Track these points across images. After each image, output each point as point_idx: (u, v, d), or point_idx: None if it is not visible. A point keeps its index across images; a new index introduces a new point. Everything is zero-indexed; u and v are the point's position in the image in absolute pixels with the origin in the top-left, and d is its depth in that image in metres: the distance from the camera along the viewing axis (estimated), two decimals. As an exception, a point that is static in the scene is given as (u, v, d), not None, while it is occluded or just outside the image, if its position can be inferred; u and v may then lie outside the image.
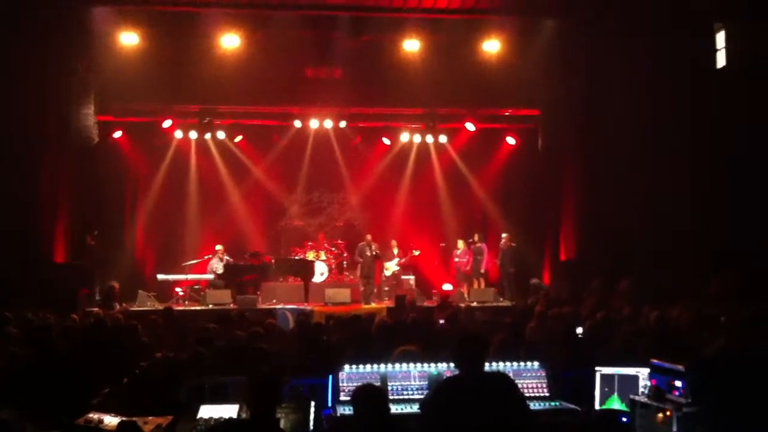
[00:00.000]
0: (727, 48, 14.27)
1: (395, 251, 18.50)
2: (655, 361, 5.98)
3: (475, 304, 16.12)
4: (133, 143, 18.66)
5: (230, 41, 15.47)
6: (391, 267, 18.38)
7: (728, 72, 14.17)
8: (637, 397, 5.93)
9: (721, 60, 14.44)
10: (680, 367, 5.63)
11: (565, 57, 15.81)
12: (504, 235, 18.10)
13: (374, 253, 17.61)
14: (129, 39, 15.34)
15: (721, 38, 14.45)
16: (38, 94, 14.96)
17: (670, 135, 14.64)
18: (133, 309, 14.81)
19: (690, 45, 14.32)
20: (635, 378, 6.38)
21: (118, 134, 18.00)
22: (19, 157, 14.93)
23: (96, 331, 9.35)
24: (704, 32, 14.45)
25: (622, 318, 10.15)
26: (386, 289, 18.13)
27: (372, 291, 17.42)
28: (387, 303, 16.50)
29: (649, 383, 5.95)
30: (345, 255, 18.99)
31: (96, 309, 13.64)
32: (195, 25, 15.41)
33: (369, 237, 18.02)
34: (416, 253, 18.46)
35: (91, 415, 5.70)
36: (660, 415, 5.52)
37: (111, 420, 5.59)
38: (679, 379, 5.59)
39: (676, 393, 5.58)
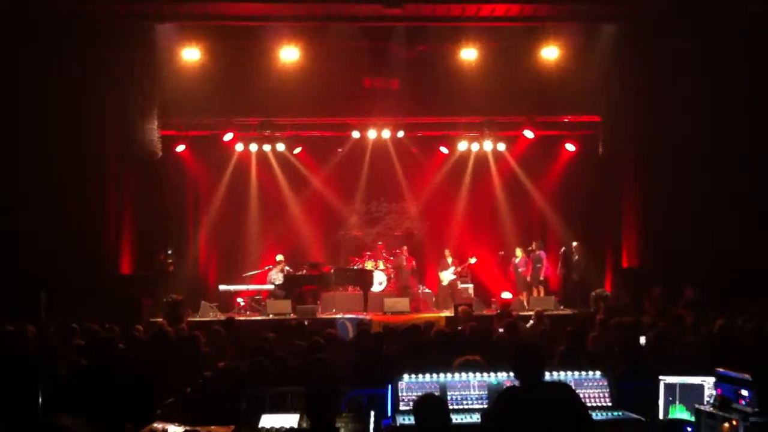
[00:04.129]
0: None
1: (449, 260, 18.49)
2: (721, 369, 5.86)
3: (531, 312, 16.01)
4: (195, 156, 19.00)
5: (289, 54, 15.61)
6: (446, 276, 18.37)
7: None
8: (702, 407, 5.82)
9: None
10: (747, 376, 5.50)
11: (625, 62, 15.63)
12: (575, 243, 17.94)
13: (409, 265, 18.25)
14: (191, 54, 15.59)
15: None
16: (103, 108, 15.40)
17: (734, 140, 14.35)
18: (196, 319, 15.07)
19: (755, 48, 14.01)
20: (700, 387, 6.28)
21: (181, 148, 18.32)
22: (84, 170, 15.38)
23: (159, 341, 9.52)
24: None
25: (685, 327, 9.97)
26: (444, 298, 18.11)
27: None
28: (445, 312, 16.44)
29: (714, 392, 5.84)
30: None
31: (160, 320, 13.88)
32: (255, 38, 15.61)
33: (405, 248, 18.65)
34: (472, 261, 18.42)
35: (155, 425, 5.80)
36: (726, 425, 5.41)
37: (175, 429, 5.68)
38: (745, 389, 5.47)
39: (743, 402, 5.46)
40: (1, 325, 10.17)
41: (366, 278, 17.81)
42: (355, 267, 18.75)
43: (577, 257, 17.74)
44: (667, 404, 6.39)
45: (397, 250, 19.24)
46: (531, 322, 12.67)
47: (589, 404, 6.16)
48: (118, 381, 7.16)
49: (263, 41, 15.63)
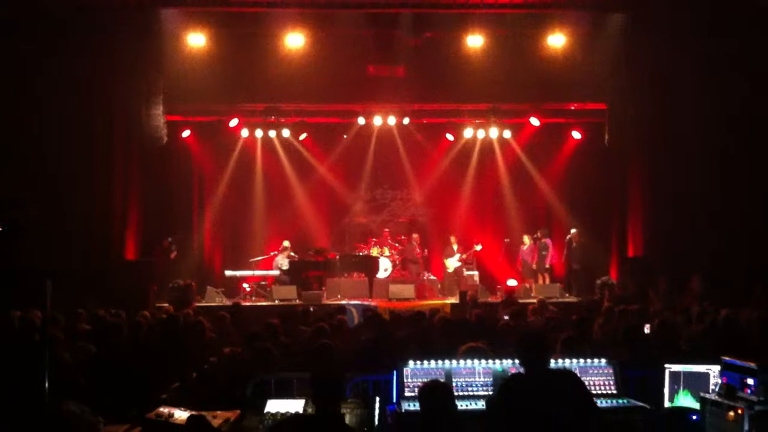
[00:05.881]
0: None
1: (455, 247, 18.52)
2: (726, 358, 5.86)
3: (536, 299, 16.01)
4: (200, 142, 19.01)
5: (295, 40, 15.57)
6: (452, 263, 18.39)
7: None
8: (707, 395, 5.82)
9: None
10: (753, 365, 5.50)
11: (631, 50, 15.53)
12: (573, 230, 17.90)
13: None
14: (196, 40, 15.55)
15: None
16: (108, 95, 15.42)
17: (741, 130, 14.29)
18: (202, 305, 15.11)
19: (762, 41, 13.94)
20: (706, 375, 6.28)
21: (186, 134, 18.33)
22: (90, 156, 15.39)
23: (166, 327, 9.54)
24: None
25: (690, 316, 9.96)
26: (449, 284, 18.12)
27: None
28: (451, 299, 16.45)
29: (720, 381, 5.84)
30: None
31: (166, 305, 13.91)
32: (260, 25, 15.53)
33: (416, 236, 18.81)
34: (478, 248, 18.42)
35: (161, 409, 5.84)
36: (731, 413, 5.42)
37: (181, 414, 5.70)
38: (751, 377, 5.47)
39: (748, 391, 5.46)
40: (8, 312, 10.20)
41: (371, 265, 17.85)
42: (361, 253, 18.76)
43: (575, 245, 17.70)
44: (673, 392, 6.40)
45: (404, 237, 19.26)
46: (533, 308, 12.67)
47: (594, 392, 6.16)
48: (124, 366, 7.18)
49: (268, 27, 15.55)
